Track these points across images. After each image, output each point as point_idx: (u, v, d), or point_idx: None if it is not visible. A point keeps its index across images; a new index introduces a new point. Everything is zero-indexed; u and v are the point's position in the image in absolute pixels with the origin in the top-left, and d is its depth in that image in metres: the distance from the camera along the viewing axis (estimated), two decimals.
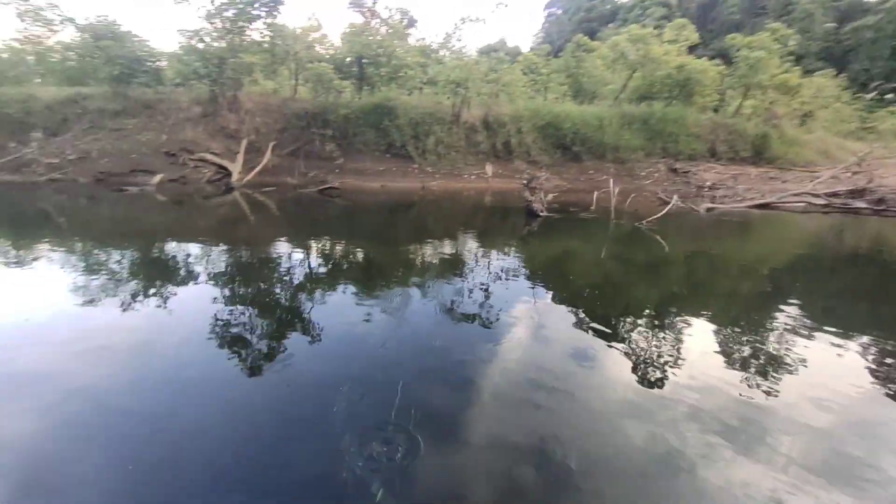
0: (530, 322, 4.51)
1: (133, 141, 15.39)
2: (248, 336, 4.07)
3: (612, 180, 11.80)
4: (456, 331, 4.31)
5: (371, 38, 18.39)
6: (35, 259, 6.39)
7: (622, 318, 4.78)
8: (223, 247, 7.58)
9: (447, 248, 7.95)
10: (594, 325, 4.46)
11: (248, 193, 13.40)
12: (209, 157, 15.55)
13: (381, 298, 5.11)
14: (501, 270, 6.23)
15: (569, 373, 3.59)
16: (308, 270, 6.30)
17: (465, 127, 17.50)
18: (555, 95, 23.97)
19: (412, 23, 24.11)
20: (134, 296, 4.95)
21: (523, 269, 6.59)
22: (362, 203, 13.16)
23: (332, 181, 14.56)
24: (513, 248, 8.18)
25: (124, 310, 4.55)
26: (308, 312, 4.70)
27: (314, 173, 15.96)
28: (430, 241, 8.60)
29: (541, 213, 10.27)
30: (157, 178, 13.94)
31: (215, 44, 15.92)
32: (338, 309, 4.82)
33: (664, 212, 10.33)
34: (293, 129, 16.78)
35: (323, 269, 6.51)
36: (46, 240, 7.55)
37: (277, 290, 5.46)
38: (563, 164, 17.95)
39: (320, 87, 16.69)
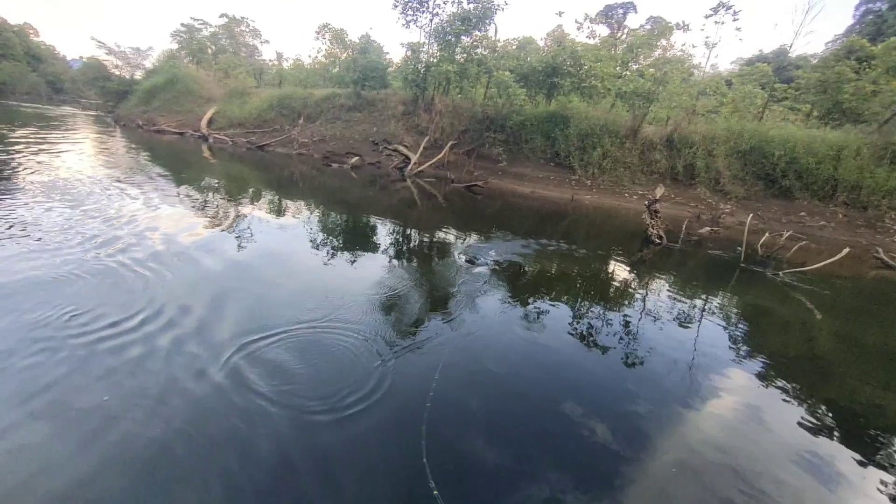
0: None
1: (354, 130, 19.82)
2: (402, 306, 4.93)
3: (728, 209, 9.37)
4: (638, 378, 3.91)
5: (568, 47, 18.60)
6: (279, 208, 9.31)
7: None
8: (396, 224, 9.12)
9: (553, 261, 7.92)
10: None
11: (416, 181, 15.70)
12: (401, 148, 18.71)
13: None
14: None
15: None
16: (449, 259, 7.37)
17: (641, 143, 16.13)
18: (795, 117, 19.34)
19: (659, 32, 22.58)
20: (333, 249, 6.70)
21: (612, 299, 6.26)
22: (514, 205, 13.53)
23: (485, 181, 15.70)
24: (618, 271, 7.55)
25: (322, 255, 6.55)
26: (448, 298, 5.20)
27: (478, 172, 17.44)
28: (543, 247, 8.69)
29: (656, 241, 9.07)
30: (353, 160, 17.68)
31: (425, 55, 18.91)
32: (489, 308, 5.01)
33: (832, 259, 7.75)
34: (473, 131, 18.58)
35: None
36: (291, 195, 10.78)
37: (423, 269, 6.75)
38: (762, 199, 14.69)
39: (501, 94, 17.92)
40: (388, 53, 22.11)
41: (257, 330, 3.85)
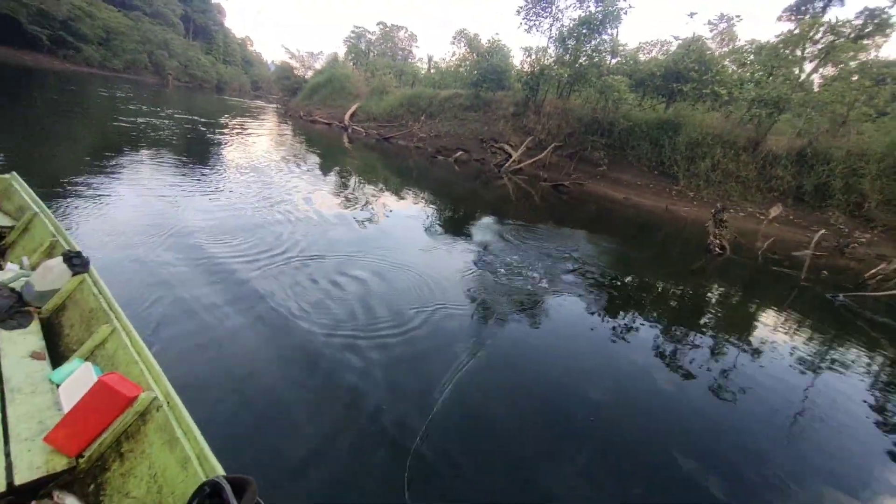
0: None
1: (466, 128, 21.48)
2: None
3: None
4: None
5: (696, 50, 17.44)
6: (397, 192, 11.11)
7: None
8: (494, 216, 9.90)
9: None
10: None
11: (512, 179, 16.55)
12: (506, 146, 19.75)
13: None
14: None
15: None
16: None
17: (761, 157, 14.46)
18: None
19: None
20: (434, 231, 7.85)
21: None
22: (605, 209, 13.53)
23: (572, 182, 15.87)
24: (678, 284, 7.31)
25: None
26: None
27: (576, 175, 17.57)
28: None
29: (717, 251, 8.54)
30: (458, 154, 19.24)
31: (541, 59, 19.57)
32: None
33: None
34: (579, 134, 18.67)
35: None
36: (406, 183, 12.54)
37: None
38: None
39: (609, 98, 17.62)
40: (512, 57, 23.21)
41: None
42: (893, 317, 6.82)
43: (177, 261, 4.20)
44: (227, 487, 1.11)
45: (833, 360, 4.87)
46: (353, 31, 42.84)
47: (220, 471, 1.38)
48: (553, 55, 19.85)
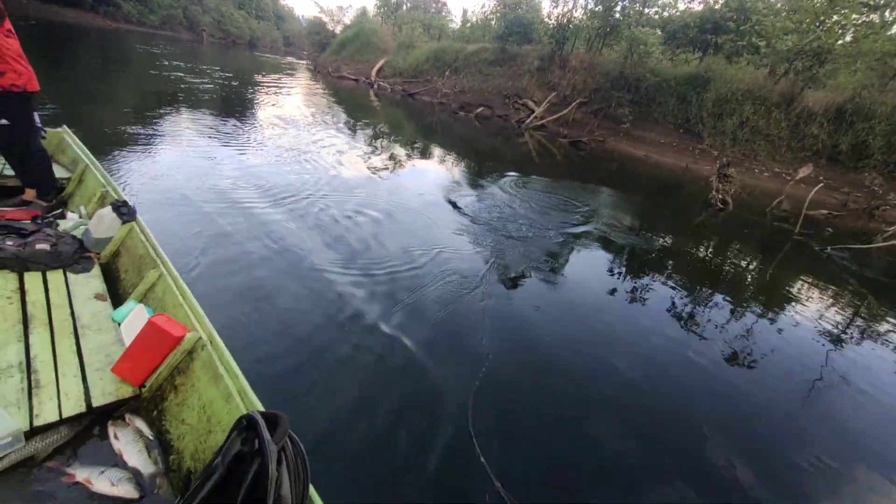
0: None
1: (490, 83, 21.15)
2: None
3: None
4: None
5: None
6: (423, 150, 11.34)
7: None
8: (512, 172, 9.90)
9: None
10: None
11: (533, 135, 16.43)
12: (529, 103, 19.43)
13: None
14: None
15: None
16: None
17: (795, 114, 13.72)
18: None
19: None
20: (449, 186, 9.09)
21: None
22: (624, 168, 13.31)
23: (590, 139, 15.63)
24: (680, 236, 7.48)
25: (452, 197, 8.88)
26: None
27: (600, 132, 17.25)
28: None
29: (718, 206, 8.55)
30: (479, 110, 19.11)
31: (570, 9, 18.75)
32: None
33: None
34: (605, 90, 18.10)
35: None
36: (431, 140, 12.68)
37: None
38: None
39: (634, 51, 16.83)
40: (543, 8, 22.21)
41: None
42: (880, 271, 6.85)
43: (213, 208, 4.49)
44: (261, 421, 1.21)
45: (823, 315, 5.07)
46: None
47: (259, 405, 1.49)
48: (583, 5, 18.95)
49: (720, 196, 8.84)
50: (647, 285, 4.80)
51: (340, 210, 5.16)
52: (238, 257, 3.63)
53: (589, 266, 5.17)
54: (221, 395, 1.57)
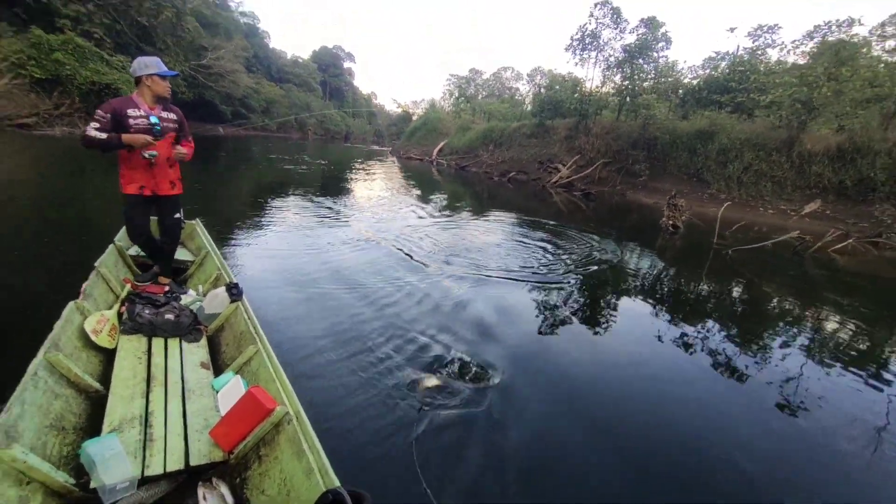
0: None
1: (526, 153, 24.32)
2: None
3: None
4: None
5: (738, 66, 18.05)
6: (478, 210, 15.19)
7: None
8: (564, 225, 13.32)
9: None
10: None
11: (560, 193, 18.82)
12: (559, 165, 22.06)
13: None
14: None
15: None
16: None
17: (796, 156, 14.59)
18: None
19: None
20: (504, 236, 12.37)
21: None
22: (630, 211, 15.12)
23: (587, 190, 17.48)
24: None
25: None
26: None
27: (621, 187, 19.16)
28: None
29: (669, 230, 10.11)
30: (511, 174, 22.04)
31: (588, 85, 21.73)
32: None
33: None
34: (624, 150, 20.22)
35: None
36: (476, 202, 16.13)
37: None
38: None
39: (638, 115, 18.95)
40: (583, 87, 25.40)
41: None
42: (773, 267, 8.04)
43: (313, 287, 4.84)
44: (348, 498, 1.24)
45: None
46: (463, 77, 49.46)
47: (337, 483, 1.51)
48: (601, 82, 21.87)
49: (671, 222, 10.45)
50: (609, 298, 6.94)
51: (435, 290, 5.10)
52: (330, 333, 3.74)
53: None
54: (303, 470, 1.61)
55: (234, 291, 2.90)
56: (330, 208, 9.64)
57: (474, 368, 3.43)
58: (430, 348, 3.66)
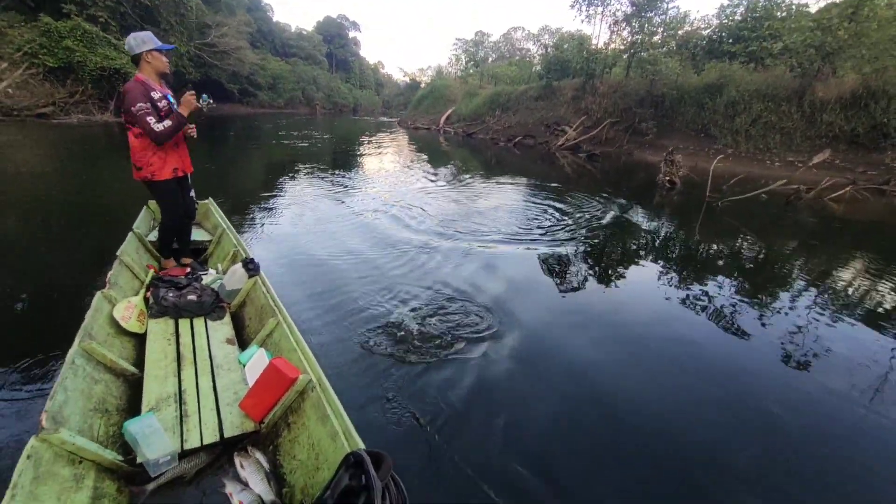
0: None
1: (533, 116, 24.04)
2: None
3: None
4: None
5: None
6: (486, 173, 15.28)
7: None
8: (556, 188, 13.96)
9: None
10: None
11: (567, 156, 18.75)
12: (568, 129, 21.82)
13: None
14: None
15: None
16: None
17: (808, 105, 14.20)
18: None
19: None
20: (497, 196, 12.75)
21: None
22: (634, 172, 15.19)
23: (592, 151, 17.38)
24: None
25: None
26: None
27: (628, 146, 18.97)
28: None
29: (665, 186, 10.22)
30: (517, 139, 21.94)
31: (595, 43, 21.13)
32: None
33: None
34: (632, 109, 19.86)
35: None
36: (494, 170, 16.71)
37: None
38: None
39: (646, 72, 18.46)
40: (590, 45, 24.65)
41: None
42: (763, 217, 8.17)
43: (327, 257, 4.99)
44: (368, 459, 1.30)
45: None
46: (470, 40, 48.09)
47: (361, 445, 1.57)
48: (609, 39, 21.22)
49: (667, 178, 10.54)
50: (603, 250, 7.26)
51: (444, 256, 5.26)
52: (346, 304, 3.80)
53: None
54: (328, 434, 1.67)
55: (251, 266, 2.95)
56: (338, 183, 9.77)
57: (481, 324, 3.56)
58: (441, 311, 3.73)
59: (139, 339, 2.51)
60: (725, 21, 18.47)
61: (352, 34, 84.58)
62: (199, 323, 2.70)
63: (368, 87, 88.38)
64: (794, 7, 17.29)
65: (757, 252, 6.47)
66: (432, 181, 10.85)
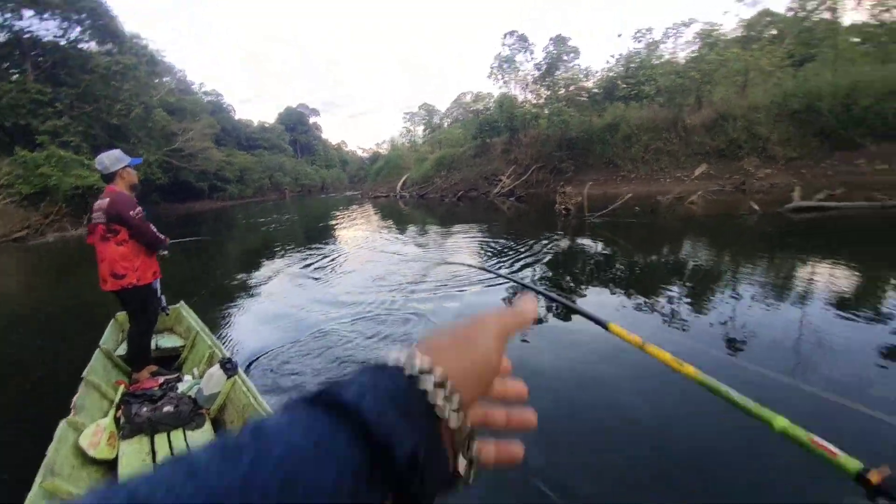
0: None
1: (472, 172, 26.87)
2: None
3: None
4: None
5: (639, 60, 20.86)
6: (444, 229, 17.48)
7: None
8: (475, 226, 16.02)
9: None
10: None
11: (505, 201, 21.16)
12: (503, 178, 24.50)
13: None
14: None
15: None
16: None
17: (682, 130, 17.09)
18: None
19: None
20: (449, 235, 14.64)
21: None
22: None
23: (520, 193, 19.85)
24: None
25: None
26: None
27: (552, 185, 21.52)
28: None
29: (563, 213, 12.37)
30: (459, 193, 24.48)
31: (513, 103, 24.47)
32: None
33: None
34: (551, 154, 22.75)
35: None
36: (445, 224, 18.91)
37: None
38: (817, 156, 13.78)
39: (554, 123, 21.68)
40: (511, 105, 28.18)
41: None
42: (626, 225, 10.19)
43: (310, 343, 4.62)
44: None
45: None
46: (418, 111, 52.87)
47: None
48: (524, 98, 24.66)
49: (563, 207, 12.67)
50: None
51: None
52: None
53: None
54: None
55: (229, 366, 2.86)
56: (313, 262, 9.50)
57: None
58: None
59: (111, 466, 2.34)
60: (609, 73, 22.07)
61: (312, 119, 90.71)
62: (177, 436, 2.58)
63: (334, 165, 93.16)
64: (663, 56, 20.98)
65: (626, 252, 8.38)
66: (401, 243, 11.70)
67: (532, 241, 9.50)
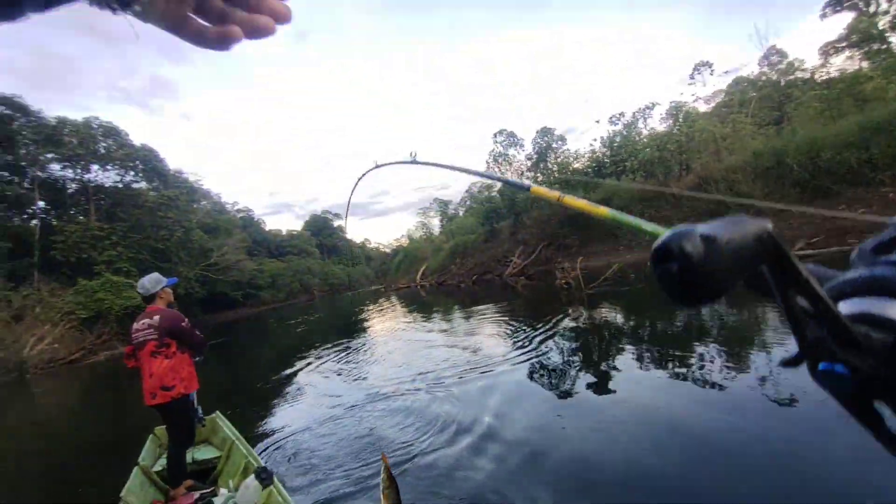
0: None
1: (485, 256, 28.28)
2: None
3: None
4: None
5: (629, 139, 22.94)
6: (466, 312, 18.43)
7: None
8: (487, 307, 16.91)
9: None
10: None
11: (515, 279, 22.11)
12: (514, 258, 25.70)
13: None
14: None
15: None
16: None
17: (670, 196, 18.24)
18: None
19: None
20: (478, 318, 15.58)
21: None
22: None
23: (522, 269, 20.80)
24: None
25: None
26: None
27: (560, 261, 22.48)
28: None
29: (561, 286, 13.08)
30: (473, 277, 25.58)
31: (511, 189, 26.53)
32: None
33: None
34: (556, 232, 24.07)
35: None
36: (465, 307, 19.72)
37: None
38: (809, 205, 14.48)
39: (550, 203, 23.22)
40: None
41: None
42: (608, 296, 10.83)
43: (347, 448, 4.51)
44: None
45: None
46: (429, 207, 56.68)
47: None
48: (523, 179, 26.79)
49: (563, 281, 13.46)
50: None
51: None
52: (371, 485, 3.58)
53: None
54: None
55: (265, 476, 2.85)
56: (346, 358, 9.67)
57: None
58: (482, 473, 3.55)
59: None
60: (595, 153, 24.19)
61: (336, 223, 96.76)
62: None
63: (359, 262, 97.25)
64: (644, 132, 23.03)
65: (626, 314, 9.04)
66: (428, 331, 11.88)
67: (535, 321, 10.25)
